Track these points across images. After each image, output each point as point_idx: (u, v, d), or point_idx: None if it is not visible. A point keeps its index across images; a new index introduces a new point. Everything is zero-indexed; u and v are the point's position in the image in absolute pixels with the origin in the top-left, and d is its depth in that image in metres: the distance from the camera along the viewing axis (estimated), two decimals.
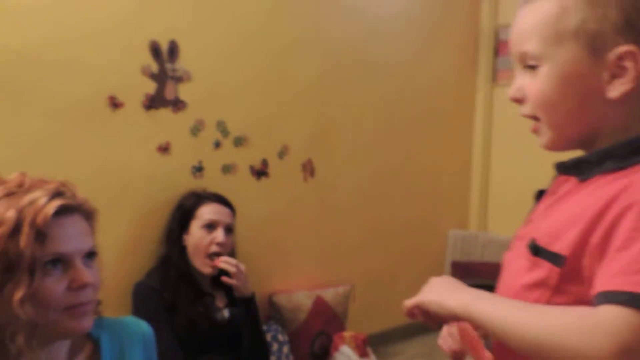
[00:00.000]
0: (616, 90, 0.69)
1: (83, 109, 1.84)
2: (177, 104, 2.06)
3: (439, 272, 3.12)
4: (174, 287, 1.80)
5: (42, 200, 0.83)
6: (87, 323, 0.87)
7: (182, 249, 1.89)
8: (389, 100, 2.82)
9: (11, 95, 1.70)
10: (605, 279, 0.62)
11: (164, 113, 2.03)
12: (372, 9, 2.68)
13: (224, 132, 2.21)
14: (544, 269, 0.71)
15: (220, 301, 1.92)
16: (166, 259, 1.91)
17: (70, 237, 0.86)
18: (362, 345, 2.42)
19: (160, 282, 1.81)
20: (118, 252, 1.93)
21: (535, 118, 0.77)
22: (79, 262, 0.86)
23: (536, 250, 0.73)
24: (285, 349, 2.28)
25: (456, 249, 3.14)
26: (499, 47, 3.20)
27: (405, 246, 2.92)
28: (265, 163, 2.36)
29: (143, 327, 1.04)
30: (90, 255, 0.89)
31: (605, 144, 0.72)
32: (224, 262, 1.80)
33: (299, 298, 2.41)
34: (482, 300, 0.71)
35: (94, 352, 0.95)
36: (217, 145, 2.20)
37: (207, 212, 1.90)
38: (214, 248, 1.85)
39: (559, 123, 0.74)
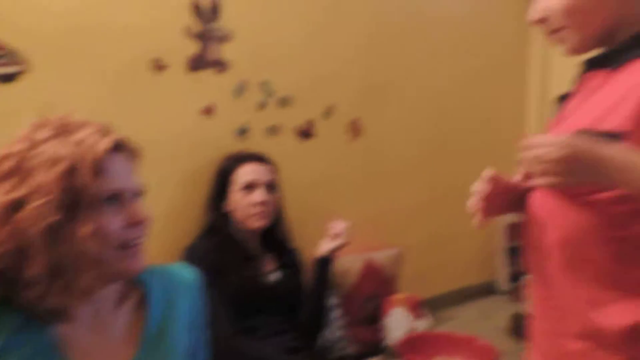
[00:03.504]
0: None
1: (128, 73, 1.82)
2: (221, 65, 2.02)
3: (494, 235, 3.01)
4: (221, 252, 1.79)
5: (94, 138, 0.82)
6: (141, 264, 0.87)
7: (225, 215, 1.87)
8: (442, 56, 2.67)
9: (55, 61, 1.70)
10: None
11: (208, 74, 1.99)
12: None
13: (269, 92, 2.15)
14: None
15: (269, 264, 1.90)
16: (210, 226, 1.89)
17: (122, 173, 0.85)
18: (417, 307, 2.36)
19: (208, 246, 1.80)
20: (164, 218, 1.89)
21: (560, 30, 0.91)
22: (132, 199, 0.86)
23: (589, 136, 0.81)
24: (337, 313, 2.26)
25: None
26: None
27: (460, 209, 2.79)
28: (310, 124, 2.30)
29: (189, 274, 1.02)
30: (139, 193, 0.89)
31: (626, 36, 0.87)
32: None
33: (348, 262, 2.37)
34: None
35: (141, 300, 0.95)
36: (262, 106, 2.14)
37: (243, 174, 1.85)
38: (255, 209, 1.82)
39: (584, 22, 0.88)
